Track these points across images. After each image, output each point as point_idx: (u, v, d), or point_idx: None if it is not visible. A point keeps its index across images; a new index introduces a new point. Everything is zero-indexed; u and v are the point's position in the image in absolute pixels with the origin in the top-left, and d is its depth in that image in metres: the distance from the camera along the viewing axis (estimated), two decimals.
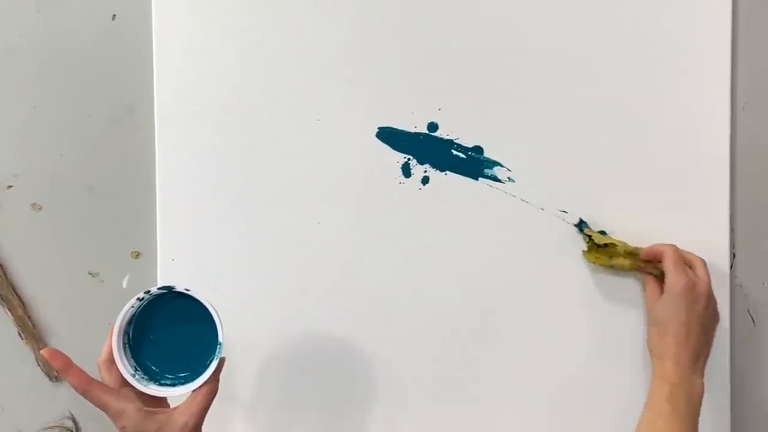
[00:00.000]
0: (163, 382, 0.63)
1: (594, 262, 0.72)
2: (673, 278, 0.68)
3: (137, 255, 0.76)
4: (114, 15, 0.75)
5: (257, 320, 0.75)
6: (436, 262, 0.75)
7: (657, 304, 0.70)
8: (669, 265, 0.69)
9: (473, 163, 0.75)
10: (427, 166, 0.75)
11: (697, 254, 0.72)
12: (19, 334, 0.75)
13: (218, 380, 0.63)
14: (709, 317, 0.69)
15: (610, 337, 0.75)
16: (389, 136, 0.74)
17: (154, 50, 0.74)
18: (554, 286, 0.75)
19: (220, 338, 0.62)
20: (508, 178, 0.75)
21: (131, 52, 0.75)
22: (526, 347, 0.75)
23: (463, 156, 0.75)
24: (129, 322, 0.63)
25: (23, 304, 0.76)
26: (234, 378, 0.74)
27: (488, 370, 0.75)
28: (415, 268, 0.75)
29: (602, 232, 0.73)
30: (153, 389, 0.62)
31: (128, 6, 0.74)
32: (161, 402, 0.63)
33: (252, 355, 0.75)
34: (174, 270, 0.74)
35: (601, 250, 0.72)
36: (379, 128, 0.74)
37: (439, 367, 0.75)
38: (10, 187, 0.76)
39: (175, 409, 0.62)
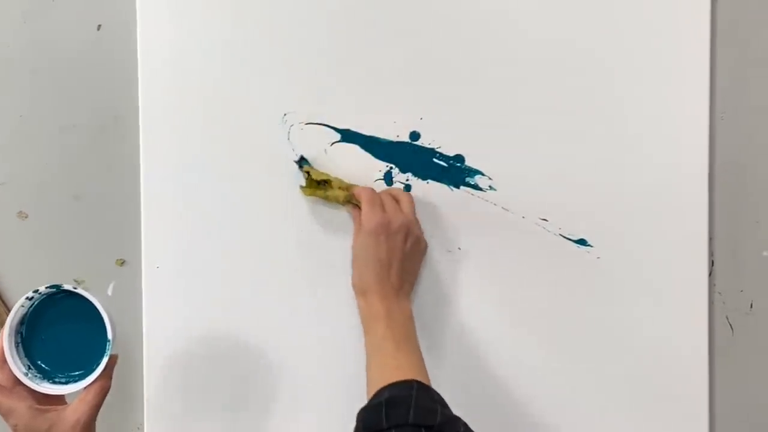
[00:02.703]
0: (56, 380, 0.64)
1: (311, 195, 0.74)
2: (366, 217, 0.70)
3: (122, 263, 0.77)
4: (99, 25, 0.76)
5: (242, 327, 0.75)
6: (420, 267, 0.75)
7: (355, 241, 0.72)
8: (363, 206, 0.71)
9: (455, 172, 0.75)
10: (409, 175, 0.75)
11: (676, 262, 0.74)
12: None
13: (111, 377, 0.63)
14: (410, 249, 0.71)
15: (593, 342, 0.75)
16: (372, 144, 0.75)
17: (138, 60, 0.74)
18: (535, 293, 0.75)
19: (109, 335, 0.63)
20: (490, 186, 0.75)
21: (116, 62, 0.75)
22: (509, 352, 0.75)
23: (445, 164, 0.75)
24: (21, 322, 0.64)
25: (9, 311, 0.76)
26: (219, 384, 0.75)
27: (471, 378, 0.75)
28: None
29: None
30: (45, 387, 0.62)
31: (113, 16, 0.75)
32: (57, 400, 0.63)
33: (238, 361, 0.75)
34: (158, 277, 0.75)
35: (319, 186, 0.74)
36: (362, 137, 0.75)
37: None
38: None
39: (66, 406, 0.62)
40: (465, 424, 0.60)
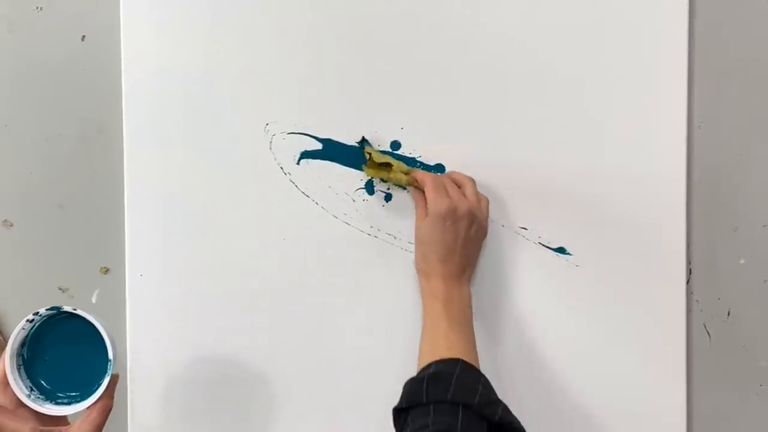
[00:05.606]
0: (59, 401, 0.65)
1: (373, 176, 0.75)
2: (433, 202, 0.71)
3: (106, 271, 0.77)
4: (83, 36, 0.77)
5: (226, 335, 0.76)
6: (402, 275, 0.76)
7: (421, 225, 0.73)
8: (429, 192, 0.72)
9: None
10: (390, 184, 0.76)
11: (654, 270, 0.75)
12: None
13: (113, 397, 0.64)
14: (473, 235, 0.72)
15: (571, 349, 0.76)
16: (353, 153, 0.76)
17: (122, 70, 0.75)
18: (514, 302, 0.76)
19: (110, 356, 0.64)
20: None
21: (100, 73, 0.76)
22: (485, 359, 0.76)
23: None
24: (22, 344, 0.65)
25: None
26: (204, 391, 0.76)
27: None
28: (381, 283, 0.76)
29: (383, 152, 0.75)
30: (48, 408, 0.63)
31: (97, 27, 0.76)
32: (59, 420, 0.64)
33: (222, 369, 0.76)
34: (142, 285, 0.76)
35: (380, 167, 0.75)
36: (343, 146, 0.76)
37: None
38: None
39: (69, 427, 0.63)
40: (505, 407, 0.62)
